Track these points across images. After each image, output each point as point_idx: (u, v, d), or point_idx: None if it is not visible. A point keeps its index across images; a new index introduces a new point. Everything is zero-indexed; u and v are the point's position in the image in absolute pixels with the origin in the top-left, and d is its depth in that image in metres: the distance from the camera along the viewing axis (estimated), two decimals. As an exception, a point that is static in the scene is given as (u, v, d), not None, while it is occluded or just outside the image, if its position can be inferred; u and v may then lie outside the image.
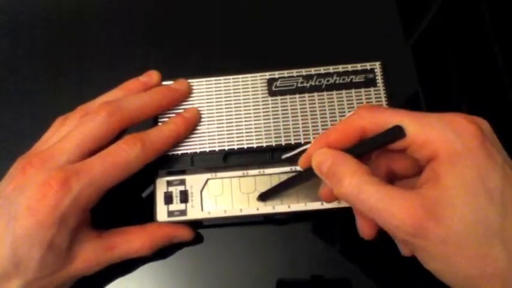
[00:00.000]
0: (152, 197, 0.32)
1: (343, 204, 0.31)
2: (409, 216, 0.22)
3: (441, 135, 0.23)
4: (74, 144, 0.28)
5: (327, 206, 0.31)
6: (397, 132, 0.24)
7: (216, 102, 0.33)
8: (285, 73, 0.33)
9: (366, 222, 0.26)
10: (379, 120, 0.25)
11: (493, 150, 0.23)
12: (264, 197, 0.31)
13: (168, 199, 0.32)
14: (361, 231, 0.27)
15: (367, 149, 0.25)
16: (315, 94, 0.33)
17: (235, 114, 0.32)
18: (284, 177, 0.32)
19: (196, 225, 0.33)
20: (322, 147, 0.26)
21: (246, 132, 0.32)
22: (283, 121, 0.32)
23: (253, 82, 0.33)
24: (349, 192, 0.24)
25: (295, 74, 0.33)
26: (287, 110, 0.32)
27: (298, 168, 0.32)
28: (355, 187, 0.23)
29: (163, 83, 0.33)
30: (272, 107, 0.33)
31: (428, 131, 0.23)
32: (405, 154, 0.25)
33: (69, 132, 0.29)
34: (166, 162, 0.32)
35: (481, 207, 0.22)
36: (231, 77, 0.33)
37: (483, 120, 0.24)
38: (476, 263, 0.22)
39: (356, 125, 0.25)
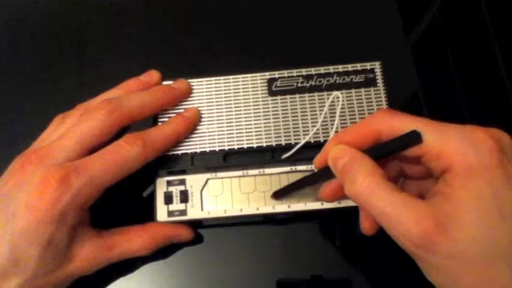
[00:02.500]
0: (152, 197, 0.32)
1: (343, 204, 0.31)
2: (418, 226, 0.21)
3: (458, 147, 0.23)
4: (74, 142, 0.28)
5: (327, 206, 0.31)
6: (414, 138, 0.23)
7: (216, 102, 0.33)
8: (285, 73, 0.33)
9: (369, 219, 0.26)
10: (396, 124, 0.24)
11: (510, 168, 0.22)
12: (278, 195, 0.31)
13: (168, 199, 0.32)
14: (362, 227, 0.27)
15: (384, 153, 0.25)
16: (315, 94, 0.33)
17: (235, 114, 0.32)
18: (284, 177, 0.32)
19: (196, 225, 0.33)
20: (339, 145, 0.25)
21: (246, 132, 0.32)
22: (283, 121, 0.32)
23: (253, 82, 0.33)
24: (360, 192, 0.23)
25: (295, 74, 0.33)
26: (287, 110, 0.32)
27: (298, 167, 0.32)
28: (367, 187, 0.23)
29: (164, 83, 0.33)
30: (272, 107, 0.33)
31: (446, 142, 0.23)
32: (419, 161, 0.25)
33: (68, 130, 0.29)
34: (166, 162, 0.32)
35: (491, 226, 0.21)
36: (231, 77, 0.33)
37: (505, 134, 0.23)
38: (481, 281, 0.21)
39: (373, 128, 0.25)
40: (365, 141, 0.25)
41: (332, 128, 0.32)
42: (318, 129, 0.32)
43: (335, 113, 0.32)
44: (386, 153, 0.25)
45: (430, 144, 0.23)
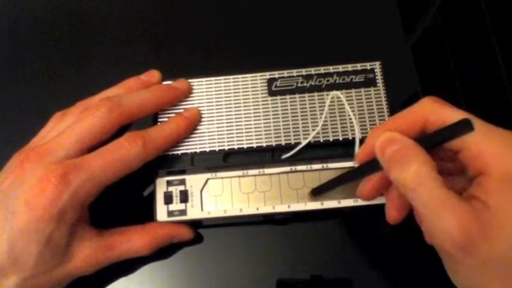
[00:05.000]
0: (152, 197, 0.32)
1: (344, 204, 0.31)
2: (462, 227, 0.21)
3: (499, 153, 0.22)
4: (73, 139, 0.28)
5: (327, 206, 0.31)
6: (465, 126, 0.23)
7: (216, 102, 0.33)
8: (285, 73, 0.33)
9: (397, 206, 0.26)
10: (446, 115, 0.24)
11: None
12: (317, 191, 0.31)
13: (168, 199, 0.32)
14: (389, 214, 0.27)
15: (436, 142, 0.24)
16: (315, 94, 0.33)
17: (235, 114, 0.32)
18: (284, 177, 0.32)
19: (196, 225, 0.33)
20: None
21: (246, 132, 0.32)
22: (283, 121, 0.32)
23: (253, 82, 0.33)
24: (411, 179, 0.23)
25: (295, 74, 0.33)
26: (287, 110, 0.32)
27: (299, 167, 0.32)
28: (419, 176, 0.22)
29: (164, 83, 0.33)
30: (272, 107, 0.33)
31: (488, 143, 0.23)
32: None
33: (68, 127, 0.29)
34: (166, 162, 0.32)
35: None
36: (231, 77, 0.33)
37: None
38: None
39: (420, 116, 0.25)
40: (413, 130, 0.25)
41: (335, 129, 0.32)
42: (318, 130, 0.32)
43: (335, 113, 0.32)
44: (438, 143, 0.24)
45: (473, 142, 0.23)
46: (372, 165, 0.25)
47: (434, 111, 0.24)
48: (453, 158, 0.25)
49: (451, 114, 0.24)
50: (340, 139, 0.32)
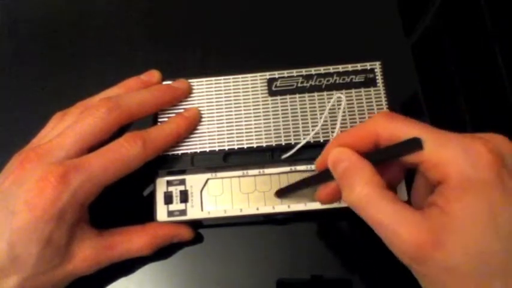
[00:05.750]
0: (152, 197, 0.32)
1: (344, 204, 0.31)
2: (412, 238, 0.21)
3: (455, 159, 0.22)
4: (73, 140, 0.28)
5: (327, 205, 0.31)
6: (415, 145, 0.23)
7: (216, 102, 0.33)
8: (285, 73, 0.33)
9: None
10: (396, 130, 0.24)
11: (509, 183, 0.22)
12: (280, 193, 0.31)
13: (168, 199, 0.32)
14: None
15: (383, 158, 0.25)
16: (315, 94, 0.33)
17: (235, 114, 0.32)
18: (284, 177, 0.32)
19: (196, 225, 0.33)
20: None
21: (246, 132, 0.32)
22: (283, 121, 0.32)
23: (253, 82, 0.33)
24: (357, 200, 0.23)
25: (295, 74, 0.33)
26: (287, 110, 0.32)
27: (298, 167, 0.32)
28: (365, 197, 0.23)
29: (164, 83, 0.33)
30: (272, 107, 0.33)
31: (444, 152, 0.23)
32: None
33: (68, 127, 0.29)
34: (166, 162, 0.32)
35: (486, 242, 0.21)
36: (231, 77, 0.33)
37: (507, 145, 0.23)
38: None
39: (371, 131, 0.25)
40: (364, 145, 0.25)
41: (334, 130, 0.32)
42: (318, 130, 0.31)
43: (335, 113, 0.32)
44: (386, 159, 0.25)
45: (429, 153, 0.23)
46: (329, 174, 0.26)
47: (385, 127, 0.25)
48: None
49: (402, 130, 0.24)
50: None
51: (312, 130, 0.32)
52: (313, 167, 0.32)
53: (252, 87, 0.33)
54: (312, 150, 0.32)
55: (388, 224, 0.22)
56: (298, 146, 0.31)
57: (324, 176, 0.27)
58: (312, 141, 0.31)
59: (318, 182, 0.28)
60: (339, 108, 0.32)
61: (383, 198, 0.23)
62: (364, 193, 0.23)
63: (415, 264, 0.22)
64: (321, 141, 0.32)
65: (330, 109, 0.32)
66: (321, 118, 0.32)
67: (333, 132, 0.32)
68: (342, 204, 0.31)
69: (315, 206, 0.31)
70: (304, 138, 0.32)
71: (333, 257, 0.33)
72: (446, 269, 0.21)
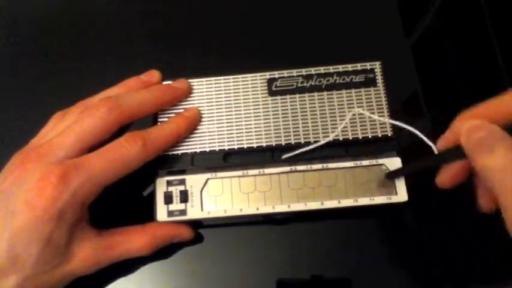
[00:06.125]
0: (152, 197, 0.32)
1: (343, 204, 0.31)
2: None
3: None
4: (74, 139, 0.28)
5: (326, 206, 0.31)
6: None
7: (216, 102, 0.33)
8: (285, 73, 0.33)
9: (488, 196, 0.26)
10: None
11: None
12: (391, 175, 0.31)
13: (168, 199, 0.32)
14: (481, 203, 0.26)
15: None
16: (315, 94, 0.33)
17: (235, 114, 0.32)
18: (284, 177, 0.32)
19: (196, 225, 0.33)
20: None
21: (246, 132, 0.32)
22: (283, 121, 0.32)
23: (253, 82, 0.33)
24: (499, 164, 0.22)
25: (295, 74, 0.33)
26: (287, 110, 0.32)
27: (299, 167, 0.32)
28: (506, 161, 0.21)
29: (164, 82, 0.33)
30: (272, 107, 0.33)
31: None
32: None
33: (68, 127, 0.29)
34: (166, 162, 0.32)
35: None
36: (231, 77, 0.33)
37: None
38: None
39: (505, 106, 0.24)
40: (500, 118, 0.24)
41: (335, 130, 0.32)
42: (318, 130, 0.32)
43: (335, 113, 0.32)
44: None
45: None
46: (455, 153, 0.25)
47: None
48: None
49: None
50: (340, 139, 0.32)
51: (312, 130, 0.32)
52: (313, 166, 0.32)
53: (252, 87, 0.33)
54: (311, 150, 0.32)
55: None
56: (300, 150, 0.31)
57: (449, 155, 0.25)
58: (312, 142, 0.31)
59: (441, 162, 0.27)
60: (339, 108, 0.32)
61: None
62: (507, 156, 0.21)
63: None
64: (321, 141, 0.32)
65: (330, 109, 0.32)
66: (321, 118, 0.32)
67: (333, 131, 0.32)
68: (342, 204, 0.31)
69: (315, 206, 0.31)
70: (304, 139, 0.32)
71: (333, 257, 0.33)
72: None
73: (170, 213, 0.32)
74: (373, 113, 0.32)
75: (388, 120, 0.31)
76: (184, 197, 0.32)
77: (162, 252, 0.32)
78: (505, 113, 0.24)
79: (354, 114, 0.32)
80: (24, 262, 0.26)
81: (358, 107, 0.32)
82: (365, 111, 0.31)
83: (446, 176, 0.26)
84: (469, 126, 0.24)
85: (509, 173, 0.22)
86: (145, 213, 0.32)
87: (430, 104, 0.38)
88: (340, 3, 0.42)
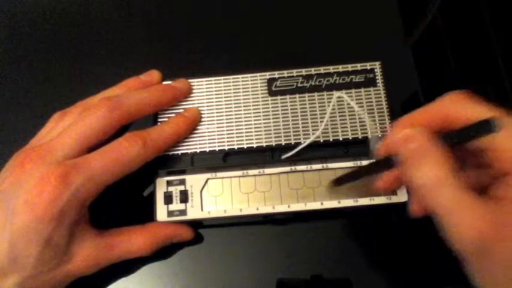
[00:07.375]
0: (152, 197, 0.32)
1: (343, 204, 0.31)
2: (476, 229, 0.20)
3: None
4: (74, 139, 0.28)
5: (327, 206, 0.31)
6: (488, 126, 0.21)
7: (216, 102, 0.33)
8: (285, 73, 0.33)
9: (419, 203, 0.25)
10: (467, 110, 0.23)
11: None
12: (337, 183, 0.31)
13: (168, 199, 0.32)
14: (411, 209, 0.26)
15: (455, 141, 0.22)
16: (315, 94, 0.33)
17: (235, 114, 0.32)
18: (284, 177, 0.32)
19: (196, 225, 0.33)
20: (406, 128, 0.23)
21: (246, 132, 0.32)
22: (283, 121, 0.32)
23: (253, 82, 0.33)
24: (426, 180, 0.22)
25: (295, 74, 0.33)
26: (287, 110, 0.32)
27: (299, 167, 0.32)
28: (435, 177, 0.21)
29: (164, 82, 0.33)
30: (272, 107, 0.33)
31: None
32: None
33: (68, 127, 0.29)
34: (166, 162, 0.32)
35: None
36: (231, 77, 0.33)
37: None
38: None
39: (441, 112, 0.24)
40: (433, 126, 0.24)
41: (336, 130, 0.32)
42: (319, 133, 0.31)
43: (335, 113, 0.32)
44: (458, 142, 0.22)
45: (499, 142, 0.22)
46: (388, 162, 0.25)
47: (457, 107, 0.23)
48: (479, 153, 0.24)
49: (475, 111, 0.22)
50: (340, 139, 0.32)
51: (312, 130, 0.32)
52: (313, 166, 0.32)
53: (252, 87, 0.33)
54: (312, 150, 0.32)
55: (453, 209, 0.21)
56: (300, 147, 0.31)
57: (384, 163, 0.25)
58: (312, 142, 0.31)
59: (377, 170, 0.27)
60: (339, 108, 0.32)
61: (453, 182, 0.21)
62: (436, 173, 0.21)
63: (475, 255, 0.21)
64: (321, 141, 0.32)
65: (331, 110, 0.32)
66: (321, 121, 0.32)
67: (333, 131, 0.32)
68: (342, 204, 0.31)
69: (315, 206, 0.31)
70: (304, 138, 0.32)
71: (333, 257, 0.33)
72: (508, 262, 0.20)
73: (170, 213, 0.32)
74: (373, 112, 0.32)
75: (365, 115, 0.31)
76: (184, 197, 0.32)
77: (162, 252, 0.32)
78: (444, 116, 0.24)
79: (338, 97, 0.31)
80: (25, 262, 0.26)
81: (358, 107, 0.32)
82: (344, 95, 0.31)
83: (382, 183, 0.27)
84: (401, 136, 0.23)
85: (439, 189, 0.21)
86: (145, 213, 0.32)
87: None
88: (340, 3, 0.42)
